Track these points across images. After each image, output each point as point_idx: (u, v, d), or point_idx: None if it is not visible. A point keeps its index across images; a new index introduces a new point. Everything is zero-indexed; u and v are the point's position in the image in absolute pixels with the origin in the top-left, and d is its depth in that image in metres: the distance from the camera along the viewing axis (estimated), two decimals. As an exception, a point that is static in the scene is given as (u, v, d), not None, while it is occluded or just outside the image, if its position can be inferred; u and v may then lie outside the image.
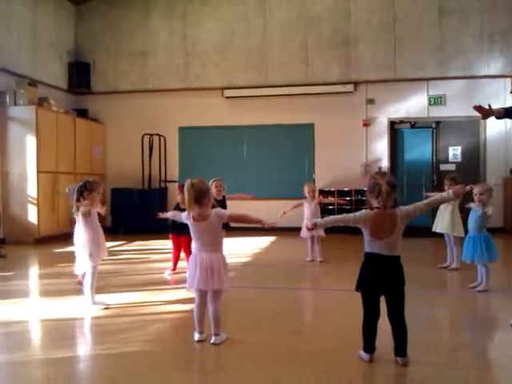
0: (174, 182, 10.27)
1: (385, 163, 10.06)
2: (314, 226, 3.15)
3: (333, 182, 10.05)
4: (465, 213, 5.35)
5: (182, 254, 5.75)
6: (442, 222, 6.08)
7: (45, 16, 9.95)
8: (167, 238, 6.06)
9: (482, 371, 2.97)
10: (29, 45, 9.47)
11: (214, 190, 5.82)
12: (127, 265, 6.68)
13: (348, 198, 9.35)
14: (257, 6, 10.46)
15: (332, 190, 9.86)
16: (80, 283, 4.79)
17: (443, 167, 10.05)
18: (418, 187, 9.82)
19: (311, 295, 5.27)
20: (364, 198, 9.40)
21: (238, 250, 7.59)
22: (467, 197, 5.05)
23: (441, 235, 6.25)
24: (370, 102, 10.12)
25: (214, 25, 10.59)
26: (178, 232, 5.50)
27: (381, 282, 2.96)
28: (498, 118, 4.17)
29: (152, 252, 7.74)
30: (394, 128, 10.25)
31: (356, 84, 10.11)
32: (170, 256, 5.95)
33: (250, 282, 5.54)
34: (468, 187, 4.72)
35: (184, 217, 3.37)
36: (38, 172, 8.66)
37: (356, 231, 3.42)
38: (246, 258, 7.06)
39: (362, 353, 3.04)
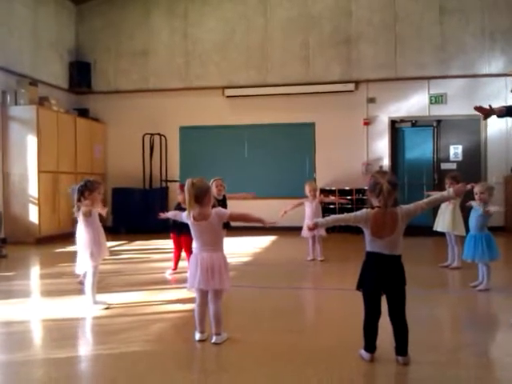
0: (175, 181, 10.27)
1: (386, 162, 10.05)
2: (315, 226, 3.15)
3: (334, 181, 10.05)
4: (466, 211, 5.35)
5: (183, 254, 5.75)
6: (443, 221, 6.07)
7: (46, 16, 9.95)
8: (168, 238, 6.06)
9: (483, 371, 2.96)
10: (30, 44, 9.47)
11: (214, 190, 5.82)
12: (128, 264, 6.68)
13: (349, 197, 9.35)
14: (257, 5, 10.45)
15: (333, 189, 9.86)
16: (81, 283, 4.79)
17: (444, 166, 10.04)
18: (418, 186, 9.80)
19: (312, 294, 5.26)
20: (365, 197, 9.39)
21: (239, 249, 7.59)
22: (468, 195, 5.06)
23: (442, 234, 6.24)
24: (371, 100, 10.11)
25: (214, 24, 10.58)
26: (179, 232, 5.50)
27: (382, 282, 2.96)
28: (499, 116, 4.17)
29: (153, 252, 7.74)
30: (395, 127, 10.24)
31: (357, 83, 10.10)
32: (171, 256, 5.95)
33: (251, 281, 5.54)
34: (469, 186, 4.72)
35: (184, 216, 3.37)
36: (39, 172, 8.67)
37: (357, 230, 3.42)
38: (246, 257, 7.06)
39: (362, 352, 3.04)
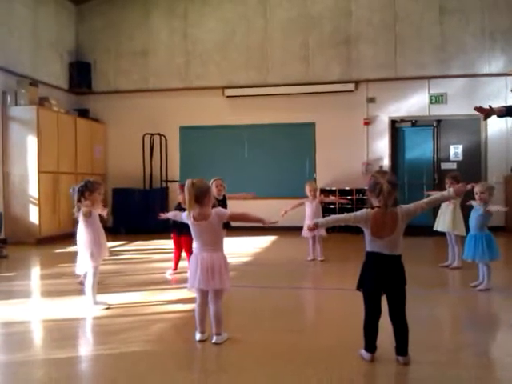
0: (175, 181, 10.27)
1: (386, 162, 10.05)
2: (316, 226, 3.16)
3: (334, 180, 10.05)
4: (466, 211, 5.35)
5: (184, 254, 5.75)
6: (444, 221, 6.07)
7: (46, 16, 9.95)
8: (168, 238, 6.06)
9: (483, 370, 2.96)
10: (30, 45, 9.47)
11: (214, 190, 5.82)
12: (128, 265, 6.68)
13: (349, 197, 9.36)
14: (257, 6, 10.45)
15: (333, 189, 9.86)
16: (81, 283, 4.79)
17: (444, 166, 10.04)
18: (419, 186, 9.80)
19: (312, 294, 5.26)
20: (365, 197, 9.39)
21: (239, 249, 7.59)
22: (468, 195, 5.06)
23: (442, 234, 6.24)
24: (371, 100, 10.11)
25: (214, 24, 10.58)
26: (180, 232, 5.50)
27: (382, 281, 2.96)
28: (499, 116, 4.18)
29: (153, 252, 7.74)
30: (395, 127, 10.24)
31: (357, 83, 10.10)
32: (171, 256, 5.95)
33: (251, 281, 5.54)
34: (469, 186, 4.72)
35: (185, 217, 3.37)
36: (39, 172, 8.67)
37: (357, 230, 3.43)
38: (246, 257, 7.06)
39: (363, 352, 3.04)
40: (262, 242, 8.62)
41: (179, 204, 5.47)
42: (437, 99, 9.89)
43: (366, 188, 8.66)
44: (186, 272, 4.82)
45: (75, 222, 4.49)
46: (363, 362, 3.00)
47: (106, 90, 10.95)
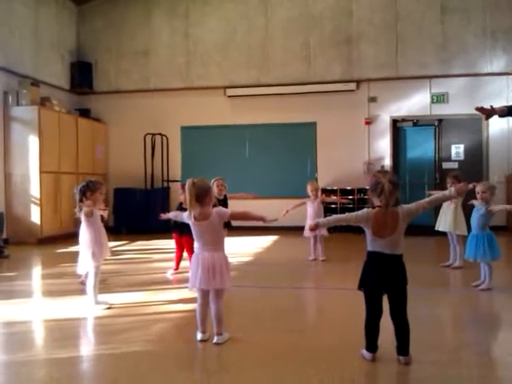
0: (177, 181, 10.28)
1: (387, 161, 10.04)
2: (317, 226, 3.16)
3: (335, 180, 10.04)
4: (467, 210, 5.34)
5: (185, 254, 5.75)
6: (445, 221, 6.06)
7: (47, 16, 9.96)
8: (170, 238, 6.06)
9: (484, 370, 2.96)
10: (31, 45, 9.48)
11: (215, 190, 5.82)
12: (130, 264, 6.69)
13: (350, 197, 9.37)
14: (258, 5, 10.44)
15: (334, 188, 9.85)
16: (83, 283, 4.79)
17: (446, 165, 10.03)
18: (420, 185, 9.79)
19: (313, 294, 5.26)
20: (366, 197, 9.38)
21: (241, 249, 7.59)
22: (470, 195, 5.06)
23: (444, 234, 6.23)
24: (372, 100, 10.10)
25: (215, 23, 10.58)
26: (181, 232, 5.50)
27: (383, 281, 2.96)
28: (500, 116, 4.17)
29: (154, 252, 7.75)
30: (397, 126, 10.23)
31: (358, 82, 10.09)
32: (173, 255, 5.96)
33: (252, 281, 5.54)
34: (470, 185, 4.72)
35: (185, 216, 3.37)
36: (41, 172, 8.68)
37: (358, 230, 3.42)
38: (248, 257, 7.06)
39: (364, 352, 3.03)
40: (264, 241, 8.62)
41: (181, 204, 5.47)
42: (438, 99, 9.88)
43: (367, 188, 8.66)
44: (187, 272, 4.81)
45: (77, 222, 4.49)
46: (364, 361, 3.00)
47: (107, 89, 10.95)
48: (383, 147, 10.11)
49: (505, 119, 8.82)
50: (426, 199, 3.06)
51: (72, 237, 5.13)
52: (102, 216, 4.48)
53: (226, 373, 2.94)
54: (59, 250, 7.88)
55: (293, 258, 6.97)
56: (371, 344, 3.00)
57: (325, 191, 9.19)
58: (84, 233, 4.32)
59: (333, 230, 8.42)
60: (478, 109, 3.92)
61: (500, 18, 9.62)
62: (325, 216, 6.11)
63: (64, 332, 3.73)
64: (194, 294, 3.57)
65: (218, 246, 3.35)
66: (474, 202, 4.98)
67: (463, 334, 3.76)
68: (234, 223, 5.24)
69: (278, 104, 10.26)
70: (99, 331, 3.85)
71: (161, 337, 3.59)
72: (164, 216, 4.02)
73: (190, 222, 3.32)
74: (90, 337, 3.78)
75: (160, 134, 10.52)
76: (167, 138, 10.66)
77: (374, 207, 2.98)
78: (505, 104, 5.86)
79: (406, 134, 10.32)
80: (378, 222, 2.93)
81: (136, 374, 2.92)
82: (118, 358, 3.16)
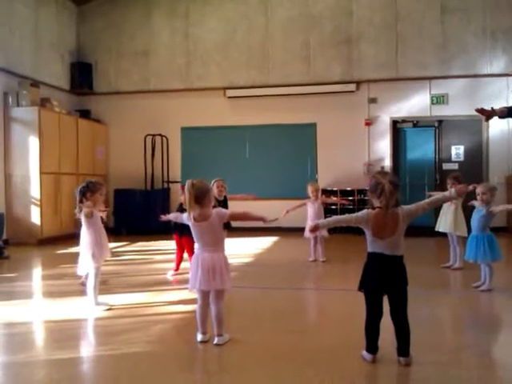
0: (177, 182, 10.28)
1: (387, 162, 10.04)
2: (317, 228, 3.16)
3: (335, 181, 10.04)
4: (468, 212, 5.34)
5: (186, 255, 5.75)
6: (445, 222, 6.06)
7: (47, 16, 9.96)
8: (170, 239, 6.06)
9: (485, 371, 2.96)
10: (31, 45, 9.48)
11: (215, 190, 5.82)
12: (130, 266, 6.69)
13: (351, 198, 9.36)
14: (258, 5, 10.45)
15: (335, 189, 9.85)
16: (83, 284, 4.79)
17: (446, 166, 10.02)
18: (420, 186, 9.79)
19: (314, 295, 5.26)
20: (366, 198, 9.37)
21: (241, 250, 7.59)
22: (470, 196, 5.06)
23: (444, 235, 6.23)
24: (372, 101, 10.10)
25: (215, 24, 10.59)
26: (181, 233, 5.50)
27: (383, 282, 2.96)
28: (500, 117, 4.17)
29: (155, 253, 7.74)
30: (397, 127, 10.23)
31: (358, 83, 10.09)
32: (173, 256, 5.96)
33: (253, 282, 5.54)
34: (471, 186, 4.72)
35: (185, 218, 3.37)
36: (41, 173, 8.68)
37: (359, 231, 3.42)
38: (248, 258, 7.06)
39: (364, 353, 3.03)
40: (264, 242, 8.61)
41: (181, 205, 5.46)
42: (438, 100, 9.88)
43: (367, 189, 8.66)
44: (187, 273, 4.82)
45: (77, 223, 4.49)
46: (365, 362, 3.00)
47: (107, 90, 10.95)
48: (383, 148, 10.11)
49: (505, 120, 8.84)
50: (426, 200, 3.06)
51: (72, 238, 5.13)
52: (101, 217, 4.47)
53: (226, 374, 2.94)
54: (59, 251, 7.88)
55: (293, 259, 6.96)
56: (371, 345, 3.00)
57: (325, 192, 9.18)
58: (84, 234, 4.32)
59: (333, 231, 8.40)
60: (478, 110, 3.92)
61: (500, 18, 9.63)
62: (325, 217, 6.11)
63: (64, 333, 3.72)
64: (195, 295, 3.57)
65: (218, 246, 3.35)
66: (475, 202, 4.98)
67: (463, 335, 3.76)
68: (234, 224, 5.25)
69: (278, 105, 10.25)
70: (99, 332, 3.85)
71: (161, 338, 3.59)
72: (164, 217, 4.02)
73: (190, 223, 3.32)
74: (91, 338, 3.78)
75: (160, 134, 10.52)
76: (167, 139, 10.66)
77: (374, 208, 2.98)
78: (505, 105, 5.86)
79: (406, 135, 10.32)
80: (378, 223, 2.93)
81: (136, 375, 2.92)
82: (119, 358, 3.16)
